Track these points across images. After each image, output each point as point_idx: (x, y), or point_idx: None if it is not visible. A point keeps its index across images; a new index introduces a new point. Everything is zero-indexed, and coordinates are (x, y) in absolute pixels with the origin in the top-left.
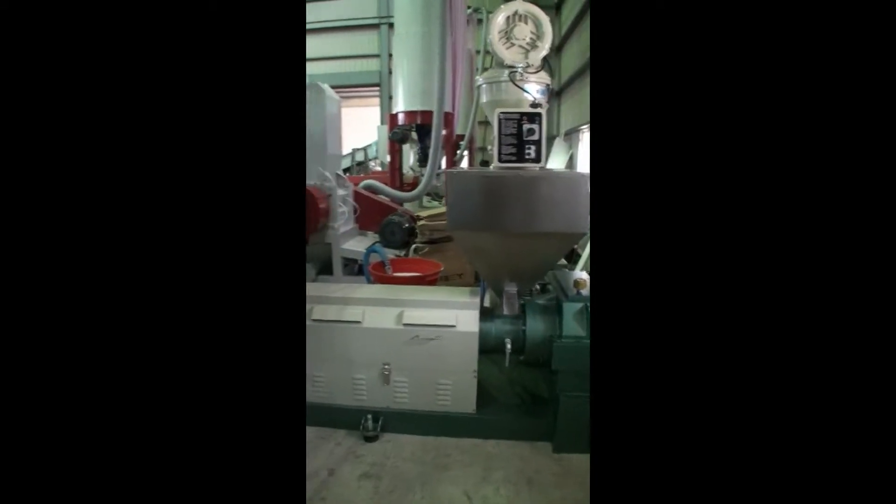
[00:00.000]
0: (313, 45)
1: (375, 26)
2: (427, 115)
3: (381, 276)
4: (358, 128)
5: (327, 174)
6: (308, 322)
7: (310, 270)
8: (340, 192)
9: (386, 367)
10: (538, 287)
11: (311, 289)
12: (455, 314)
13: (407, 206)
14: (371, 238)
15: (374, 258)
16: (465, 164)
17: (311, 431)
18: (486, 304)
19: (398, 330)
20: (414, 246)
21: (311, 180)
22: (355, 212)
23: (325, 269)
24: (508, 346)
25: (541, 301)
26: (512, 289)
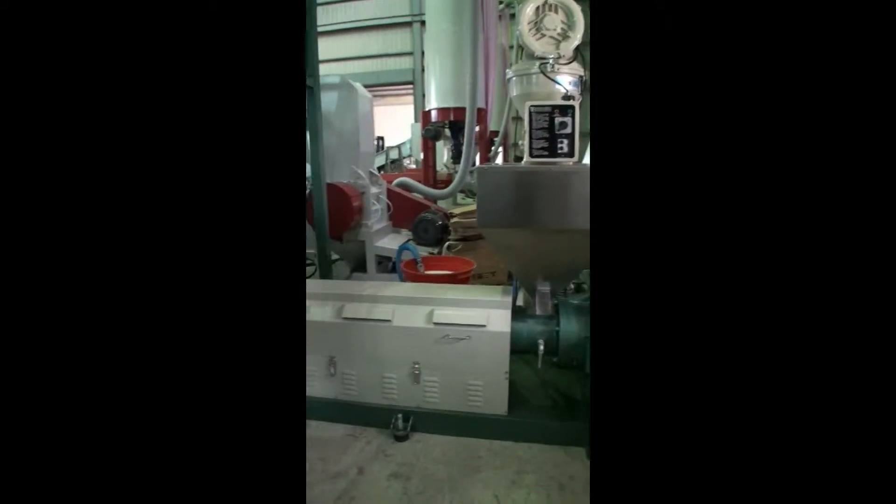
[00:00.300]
0: (346, 45)
1: (408, 24)
2: (460, 111)
3: (412, 273)
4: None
5: (360, 172)
6: (338, 320)
7: (344, 268)
8: (374, 189)
9: (416, 366)
10: (572, 286)
11: (343, 286)
12: (486, 313)
13: (440, 203)
14: (405, 236)
15: (407, 256)
16: (499, 160)
17: (341, 429)
18: (519, 303)
19: (428, 329)
20: (447, 243)
21: (344, 178)
22: (389, 209)
23: (360, 267)
24: (541, 347)
25: (575, 301)
26: (545, 288)
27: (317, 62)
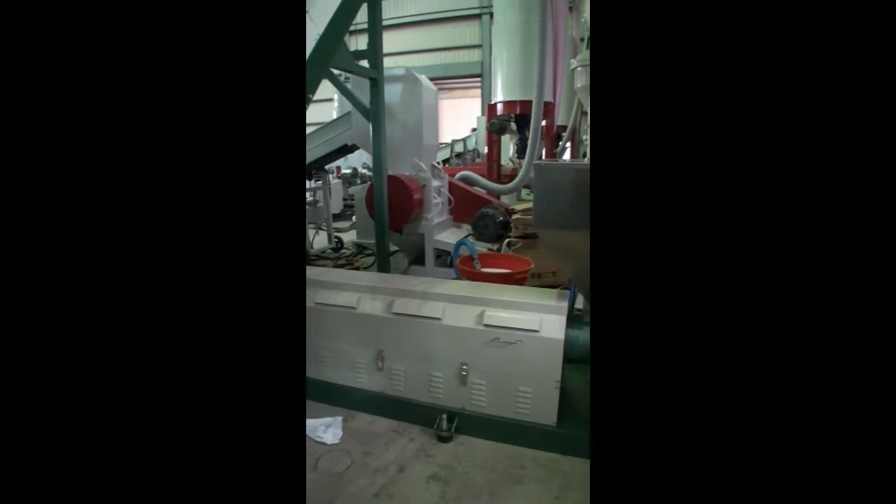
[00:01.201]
0: (414, 38)
1: (477, 16)
2: (526, 104)
3: (468, 271)
4: (458, 119)
5: (422, 164)
6: (389, 315)
7: (402, 260)
8: (435, 182)
9: (464, 367)
10: None
11: (395, 281)
12: (540, 318)
13: (503, 198)
14: (465, 230)
15: (464, 252)
16: (566, 156)
17: (385, 423)
18: (579, 306)
19: (478, 330)
20: (507, 240)
21: (406, 171)
22: (450, 203)
23: (418, 260)
24: None
25: None
26: None
27: (380, 54)
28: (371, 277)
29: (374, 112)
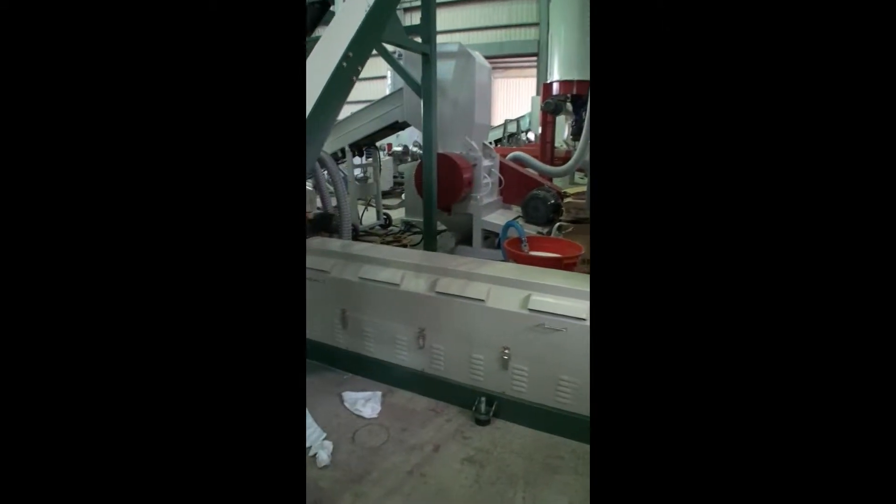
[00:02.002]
0: (469, 15)
1: None
2: (584, 84)
3: (516, 253)
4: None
5: (473, 143)
6: (432, 293)
7: (449, 240)
8: (486, 162)
9: (506, 351)
10: None
11: (440, 259)
12: (587, 306)
13: (556, 181)
14: (515, 212)
15: (512, 234)
16: None
17: (424, 402)
18: None
19: (523, 314)
20: (557, 224)
21: (456, 149)
22: (500, 184)
23: (465, 240)
24: None
25: None
26: None
27: (433, 29)
28: (416, 255)
29: (425, 88)
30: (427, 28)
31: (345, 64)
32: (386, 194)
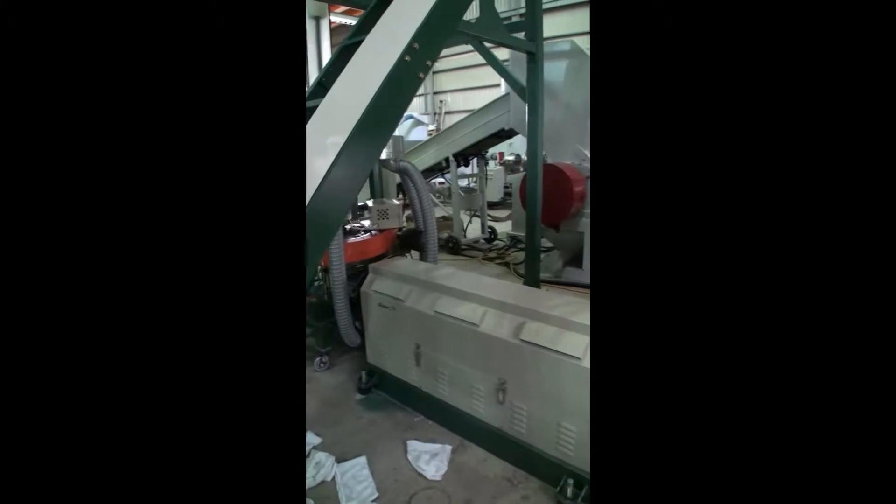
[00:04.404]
0: (583, 20)
1: None
2: None
3: None
4: None
5: (587, 153)
6: (515, 340)
7: (556, 260)
8: None
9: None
10: None
11: (530, 297)
12: None
13: None
14: None
15: None
16: None
17: (499, 466)
18: None
19: None
20: None
21: (567, 159)
22: None
23: (574, 261)
24: None
25: None
26: None
27: (540, 23)
28: (502, 289)
29: (530, 91)
30: (532, 23)
31: (408, 58)
32: (495, 205)
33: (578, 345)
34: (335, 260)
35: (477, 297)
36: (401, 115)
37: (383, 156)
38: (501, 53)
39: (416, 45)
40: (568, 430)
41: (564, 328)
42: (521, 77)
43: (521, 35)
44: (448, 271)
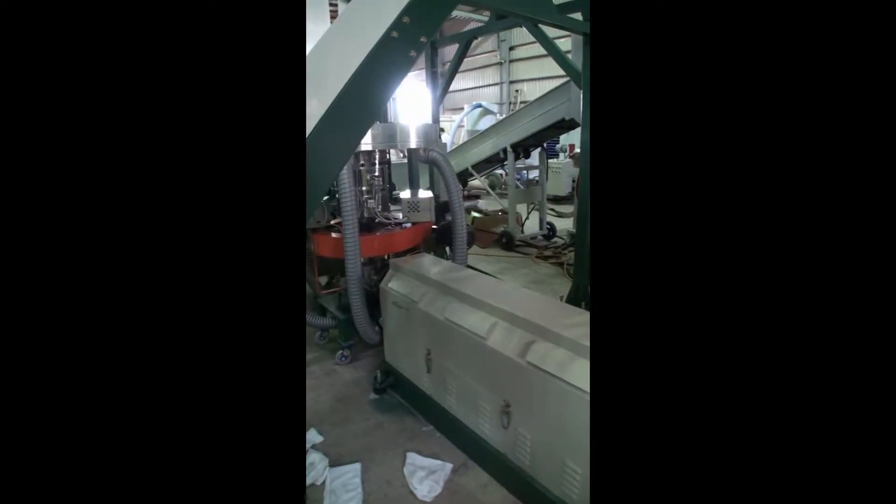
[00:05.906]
0: None
1: None
2: None
3: None
4: None
5: None
6: (520, 360)
7: None
8: None
9: None
10: None
11: (546, 312)
12: None
13: None
14: None
15: None
16: None
17: (499, 495)
18: None
19: None
20: None
21: None
22: None
23: None
24: None
25: None
26: None
27: None
28: (519, 300)
29: (586, 77)
30: (589, 2)
31: (395, 33)
32: (562, 200)
33: (589, 376)
34: (350, 255)
35: (489, 307)
36: (387, 98)
37: (413, 145)
38: (566, 44)
39: (407, 20)
40: (573, 471)
41: (575, 353)
42: (576, 61)
43: (578, 16)
44: (466, 273)
